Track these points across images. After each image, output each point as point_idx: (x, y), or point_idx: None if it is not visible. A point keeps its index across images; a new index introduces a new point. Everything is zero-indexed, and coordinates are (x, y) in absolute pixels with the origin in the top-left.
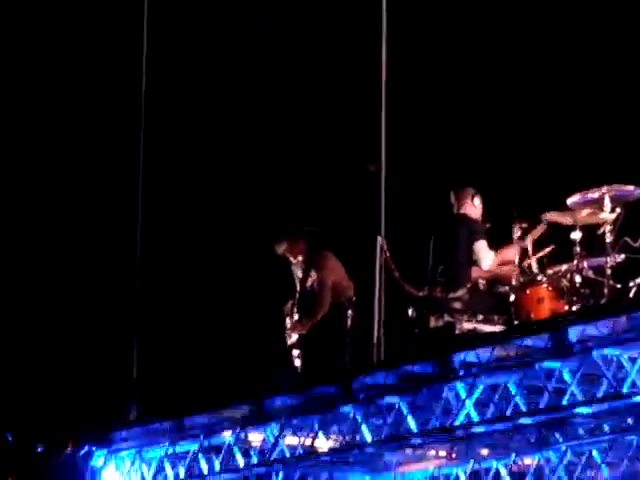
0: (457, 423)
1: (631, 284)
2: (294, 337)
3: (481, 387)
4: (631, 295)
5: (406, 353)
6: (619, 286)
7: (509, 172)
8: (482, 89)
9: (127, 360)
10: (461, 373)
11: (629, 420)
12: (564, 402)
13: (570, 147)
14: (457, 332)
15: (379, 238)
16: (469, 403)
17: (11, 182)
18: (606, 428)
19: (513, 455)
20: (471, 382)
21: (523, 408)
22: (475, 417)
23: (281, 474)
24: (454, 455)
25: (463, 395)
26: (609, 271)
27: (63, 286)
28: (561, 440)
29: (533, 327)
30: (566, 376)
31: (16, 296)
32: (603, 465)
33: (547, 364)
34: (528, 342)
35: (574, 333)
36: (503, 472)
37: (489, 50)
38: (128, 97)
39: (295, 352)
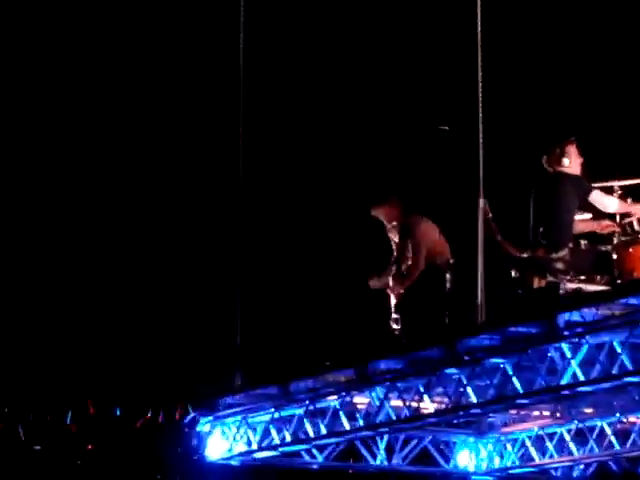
0: (563, 383)
1: None
2: (392, 300)
3: (586, 347)
4: None
5: (511, 314)
6: None
7: (611, 127)
8: (580, 40)
9: (231, 327)
10: (566, 333)
11: None
12: None
13: None
14: (561, 292)
15: (481, 200)
16: (574, 363)
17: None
18: None
19: (617, 414)
20: (576, 342)
21: (629, 366)
22: (581, 377)
23: (385, 437)
24: (558, 415)
25: (568, 355)
26: None
27: (168, 254)
28: None
29: (638, 286)
30: None
31: (125, 262)
32: None
33: None
34: (633, 301)
35: None
36: (608, 431)
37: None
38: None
39: (394, 316)
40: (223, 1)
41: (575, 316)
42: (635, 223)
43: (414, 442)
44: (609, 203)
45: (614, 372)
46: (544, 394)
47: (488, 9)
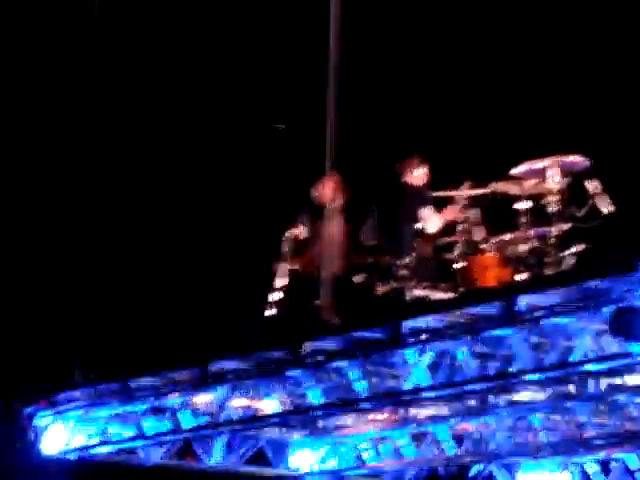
0: (405, 388)
1: (566, 252)
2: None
3: (430, 353)
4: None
5: (356, 319)
6: (562, 255)
7: (457, 142)
8: (432, 53)
9: (71, 320)
10: (411, 340)
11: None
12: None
13: (517, 118)
14: (407, 299)
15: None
16: (418, 369)
17: None
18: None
19: (452, 420)
20: (421, 348)
21: (472, 374)
22: (424, 382)
23: (225, 437)
24: (394, 418)
25: (412, 361)
26: (554, 240)
27: (13, 243)
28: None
29: (484, 295)
30: (515, 343)
31: None
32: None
33: (497, 332)
34: (476, 310)
35: (523, 301)
36: (443, 436)
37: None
38: None
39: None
40: None
41: (420, 322)
42: (477, 232)
43: (251, 442)
44: (429, 223)
45: (457, 379)
46: (386, 398)
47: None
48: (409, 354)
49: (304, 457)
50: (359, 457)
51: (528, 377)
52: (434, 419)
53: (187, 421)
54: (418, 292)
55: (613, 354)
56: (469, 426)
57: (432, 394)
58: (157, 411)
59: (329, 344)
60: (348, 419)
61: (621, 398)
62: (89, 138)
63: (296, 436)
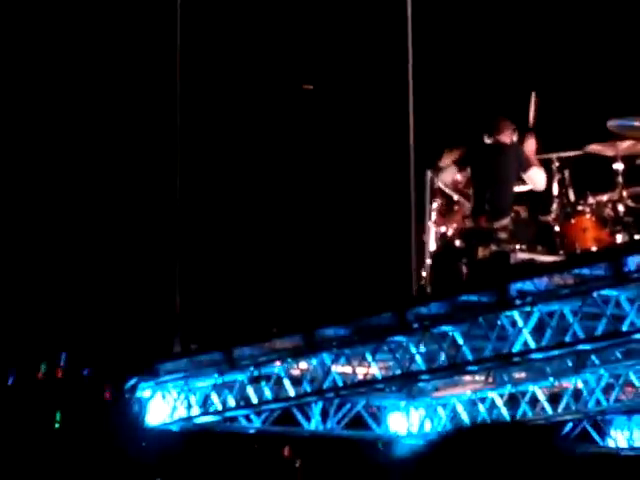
0: (514, 350)
1: None
2: None
3: (537, 315)
4: None
5: (459, 283)
6: None
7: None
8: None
9: (170, 291)
10: (518, 302)
11: None
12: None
13: (611, 77)
14: (512, 262)
15: (428, 172)
16: (526, 331)
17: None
18: None
19: (550, 379)
20: (528, 310)
21: (581, 334)
22: (532, 344)
23: (320, 402)
24: (490, 379)
25: (520, 323)
26: None
27: (108, 219)
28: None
29: (591, 256)
30: (624, 304)
31: (62, 227)
32: None
33: (605, 292)
34: (585, 271)
35: (633, 262)
36: (540, 396)
37: None
38: None
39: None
40: None
41: (527, 285)
42: (571, 194)
43: (347, 407)
44: (540, 181)
45: (566, 340)
46: (495, 361)
47: None
48: (516, 316)
49: (401, 420)
50: (456, 419)
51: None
52: (530, 379)
53: (290, 389)
54: (522, 255)
55: None
56: (566, 384)
57: (540, 356)
58: (259, 379)
59: (435, 308)
60: (444, 382)
61: None
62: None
63: (393, 400)
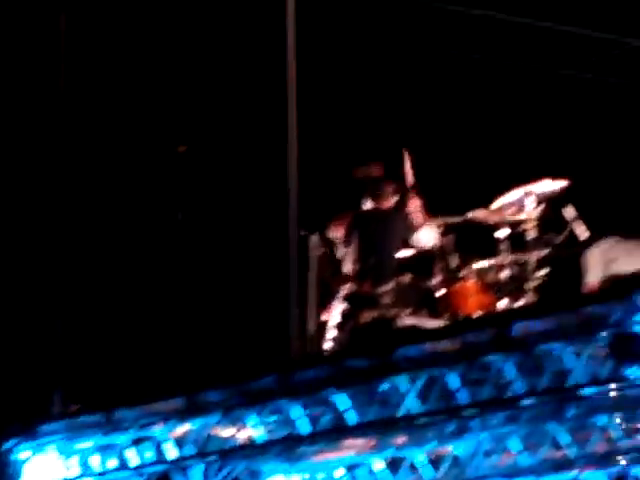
0: (399, 415)
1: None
2: None
3: (423, 379)
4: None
5: (345, 347)
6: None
7: (430, 170)
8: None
9: (50, 349)
10: (403, 367)
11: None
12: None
13: (493, 147)
14: (396, 327)
15: (313, 236)
16: (411, 395)
17: None
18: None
19: (430, 444)
20: (413, 375)
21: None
22: (417, 409)
23: (203, 465)
24: (372, 443)
25: (405, 388)
26: (532, 266)
27: None
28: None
29: (477, 322)
30: (510, 369)
31: None
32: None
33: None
34: (471, 337)
35: (518, 328)
36: (420, 460)
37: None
38: None
39: None
40: None
41: (412, 350)
42: (454, 259)
43: (227, 469)
44: (430, 239)
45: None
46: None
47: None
48: (401, 381)
49: None
50: None
51: (524, 402)
52: (411, 443)
53: (171, 451)
54: (407, 320)
55: (608, 378)
56: (446, 449)
57: (425, 420)
58: (141, 441)
59: (319, 373)
60: (325, 445)
61: (601, 420)
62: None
63: (273, 464)
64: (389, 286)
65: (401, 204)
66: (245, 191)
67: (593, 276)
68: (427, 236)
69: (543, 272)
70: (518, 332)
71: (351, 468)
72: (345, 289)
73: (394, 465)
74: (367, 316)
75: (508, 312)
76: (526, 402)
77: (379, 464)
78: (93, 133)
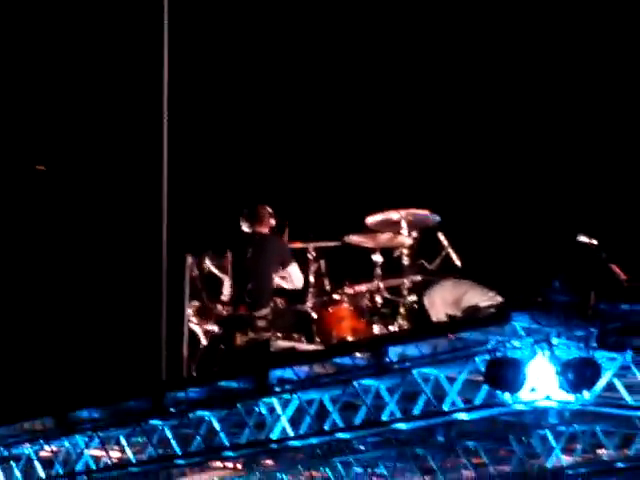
0: (272, 437)
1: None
2: None
3: (296, 402)
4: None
5: (219, 369)
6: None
7: (307, 192)
8: (280, 102)
9: None
10: (277, 389)
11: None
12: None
13: (369, 170)
14: (272, 349)
15: (189, 257)
16: (284, 418)
17: None
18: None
19: (300, 467)
20: (287, 398)
21: (340, 424)
22: (290, 432)
23: None
24: (239, 466)
25: (279, 411)
26: (406, 292)
27: None
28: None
29: (353, 346)
30: (384, 393)
31: None
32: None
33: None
34: (346, 360)
35: (394, 352)
36: None
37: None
38: None
39: None
40: None
41: (287, 373)
42: (327, 283)
43: None
44: (298, 278)
45: (325, 428)
46: (252, 447)
47: None
48: (275, 404)
49: None
50: None
51: (397, 426)
52: (281, 466)
53: (40, 470)
54: (281, 343)
55: (483, 404)
56: (315, 474)
57: (298, 443)
58: (9, 460)
59: (192, 394)
60: (190, 468)
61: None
62: None
63: None
64: (265, 311)
65: (277, 230)
66: (120, 210)
67: (440, 313)
68: (297, 274)
69: (414, 297)
70: (394, 357)
71: None
72: (222, 311)
73: None
74: (242, 338)
75: (383, 337)
76: (398, 426)
77: None
78: None
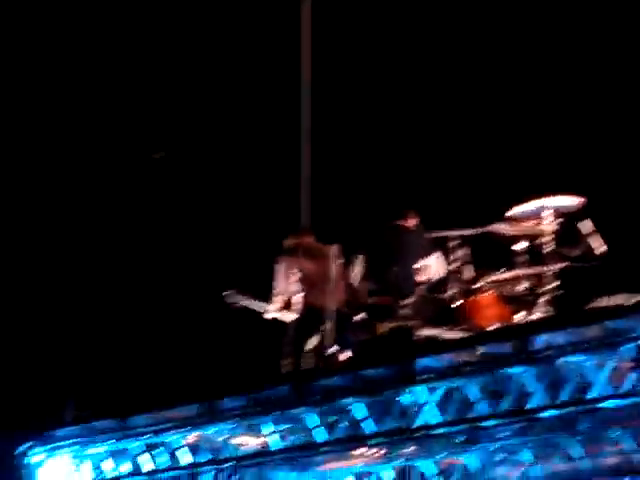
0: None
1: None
2: None
3: (441, 390)
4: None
5: (363, 357)
6: (559, 293)
7: (447, 184)
8: (414, 99)
9: (64, 357)
10: (422, 377)
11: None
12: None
13: (510, 159)
14: (415, 338)
15: (334, 246)
16: (429, 406)
17: None
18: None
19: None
20: (432, 386)
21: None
22: (435, 419)
23: (212, 473)
24: (381, 453)
25: (423, 398)
26: (548, 279)
27: None
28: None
29: (498, 334)
30: (531, 382)
31: None
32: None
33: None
34: (491, 348)
35: (540, 340)
36: (431, 470)
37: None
38: None
39: None
40: None
41: (432, 361)
42: (468, 271)
43: (237, 477)
44: (441, 269)
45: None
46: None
47: None
48: (419, 392)
49: None
50: None
51: (542, 415)
52: (421, 454)
53: (184, 458)
54: (425, 331)
55: (629, 392)
56: (456, 460)
57: (442, 431)
58: (154, 447)
59: (335, 381)
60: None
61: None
62: None
63: (284, 472)
64: (409, 299)
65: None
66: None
67: None
68: (438, 263)
69: (556, 284)
70: (539, 345)
71: (360, 477)
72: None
73: (403, 475)
74: (384, 326)
75: (528, 324)
76: (543, 414)
77: (388, 473)
78: None
